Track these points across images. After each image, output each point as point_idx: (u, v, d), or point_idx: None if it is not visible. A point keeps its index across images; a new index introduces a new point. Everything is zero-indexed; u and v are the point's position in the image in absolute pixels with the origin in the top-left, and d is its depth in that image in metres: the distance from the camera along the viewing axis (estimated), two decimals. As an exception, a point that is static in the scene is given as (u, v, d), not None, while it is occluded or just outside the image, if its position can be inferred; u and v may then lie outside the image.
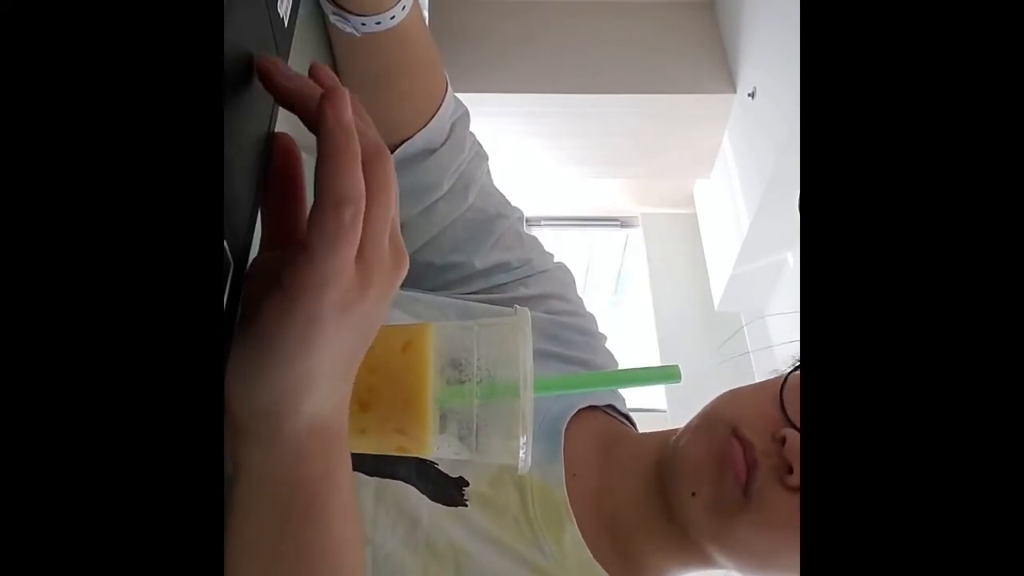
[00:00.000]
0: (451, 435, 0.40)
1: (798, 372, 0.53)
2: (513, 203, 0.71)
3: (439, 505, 0.51)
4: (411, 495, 0.51)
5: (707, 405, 0.56)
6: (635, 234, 2.89)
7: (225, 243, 0.32)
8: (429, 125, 0.61)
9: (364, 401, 0.40)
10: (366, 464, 0.50)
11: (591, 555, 0.52)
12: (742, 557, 0.52)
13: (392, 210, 0.33)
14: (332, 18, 0.55)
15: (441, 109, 0.62)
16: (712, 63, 2.09)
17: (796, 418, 0.51)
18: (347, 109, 0.31)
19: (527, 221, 0.78)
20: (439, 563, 0.49)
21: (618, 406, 0.64)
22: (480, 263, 0.65)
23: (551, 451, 0.56)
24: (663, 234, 2.76)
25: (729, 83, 2.05)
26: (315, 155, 0.37)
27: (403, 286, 0.63)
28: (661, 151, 2.28)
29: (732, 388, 0.57)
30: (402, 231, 0.64)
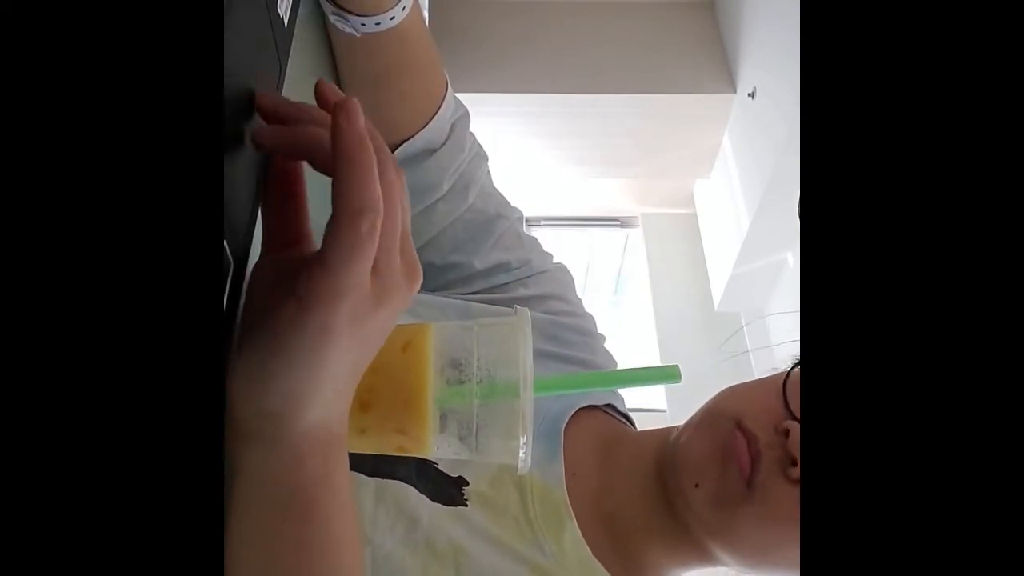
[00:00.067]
0: (451, 435, 0.40)
1: (798, 368, 0.53)
2: (513, 203, 0.71)
3: (439, 505, 0.51)
4: (411, 495, 0.51)
5: (708, 401, 0.56)
6: (635, 234, 2.89)
7: (225, 243, 0.32)
8: (429, 125, 0.61)
9: (364, 401, 0.40)
10: (366, 464, 0.50)
11: (591, 554, 0.52)
12: (744, 551, 0.52)
13: (401, 221, 0.33)
14: (332, 18, 0.55)
15: (441, 109, 0.62)
16: (712, 63, 2.09)
17: (799, 412, 0.51)
18: (360, 119, 0.31)
19: (527, 221, 0.78)
20: (439, 563, 0.49)
21: (617, 406, 0.64)
22: (480, 263, 0.65)
23: (551, 451, 0.56)
24: (663, 234, 2.76)
25: (729, 83, 2.06)
26: None
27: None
28: (661, 151, 2.28)
29: (732, 385, 0.58)
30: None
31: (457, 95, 0.65)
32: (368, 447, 0.42)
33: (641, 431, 0.63)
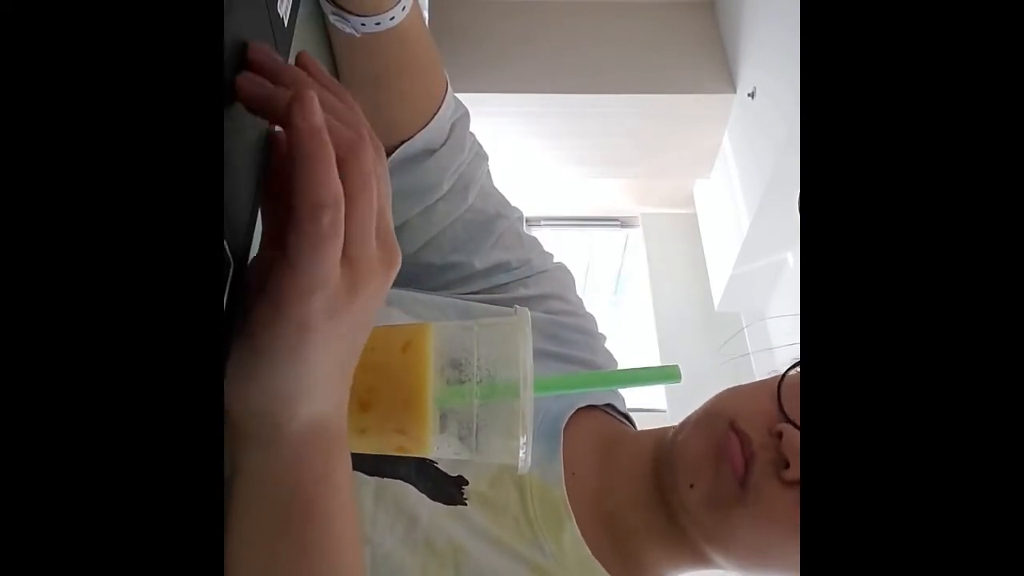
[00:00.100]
0: (451, 435, 0.40)
1: (795, 370, 0.53)
2: (513, 203, 0.71)
3: (439, 504, 0.51)
4: (410, 494, 0.51)
5: (707, 402, 0.57)
6: (635, 234, 2.89)
7: (225, 243, 0.32)
8: (429, 125, 0.61)
9: (364, 401, 0.40)
10: (365, 464, 0.50)
11: (590, 553, 0.52)
12: (737, 552, 0.52)
13: (375, 206, 0.32)
14: (332, 18, 0.55)
15: (441, 109, 0.62)
16: (712, 63, 2.09)
17: (793, 414, 0.51)
18: (315, 112, 0.30)
19: (527, 221, 0.78)
20: (438, 562, 0.49)
21: (617, 406, 0.64)
22: (480, 263, 0.65)
23: (550, 450, 0.56)
24: (663, 234, 2.76)
25: (729, 83, 2.06)
26: None
27: (403, 286, 0.63)
28: (661, 151, 2.28)
29: (731, 386, 0.58)
30: (402, 231, 0.64)
31: (457, 95, 0.65)
32: (368, 447, 0.42)
33: (640, 431, 0.64)
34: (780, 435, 0.50)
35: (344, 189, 0.30)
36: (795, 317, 0.30)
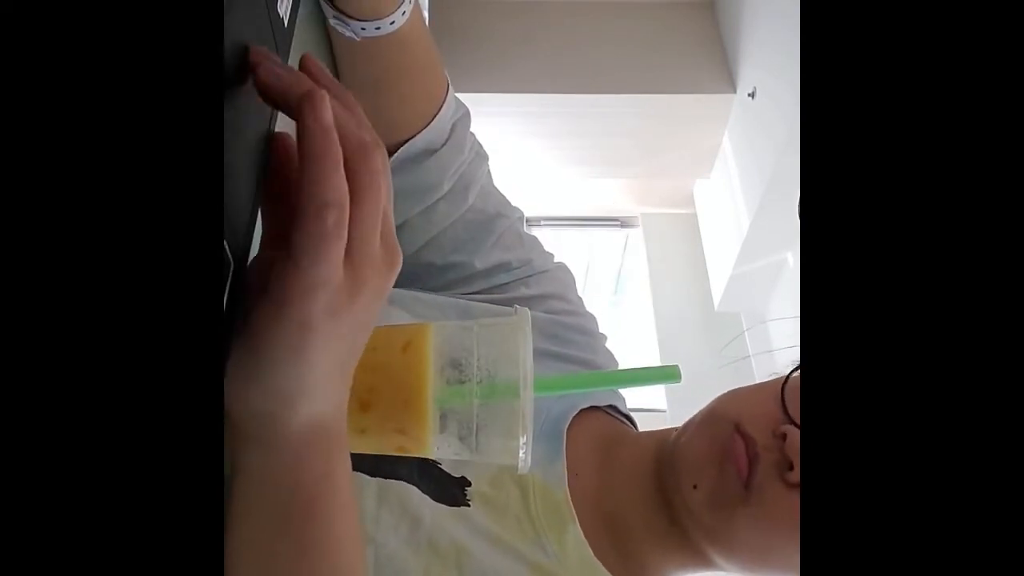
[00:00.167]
0: (451, 435, 0.40)
1: (798, 372, 0.53)
2: (513, 203, 0.71)
3: (441, 505, 0.51)
4: (413, 495, 0.51)
5: (710, 403, 0.57)
6: (635, 234, 2.89)
7: (225, 243, 0.32)
8: (430, 126, 0.61)
9: (364, 401, 0.40)
10: (367, 464, 0.50)
11: (593, 554, 0.52)
12: (739, 554, 0.52)
13: (381, 208, 0.32)
14: (332, 22, 0.55)
15: (442, 110, 0.62)
16: (712, 63, 2.09)
17: (797, 416, 0.51)
18: (326, 112, 0.30)
19: (527, 221, 0.78)
20: (441, 563, 0.49)
21: (619, 406, 0.64)
22: (480, 263, 0.65)
23: (553, 451, 0.56)
24: (663, 234, 2.76)
25: (729, 83, 2.05)
26: None
27: (404, 286, 0.63)
28: (661, 151, 2.28)
29: (734, 388, 0.58)
30: (402, 231, 0.64)
31: (457, 95, 0.65)
32: (368, 447, 0.42)
33: (642, 432, 0.64)
34: (784, 437, 0.50)
35: (351, 189, 0.30)
36: (796, 319, 0.30)
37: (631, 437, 0.62)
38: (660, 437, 0.59)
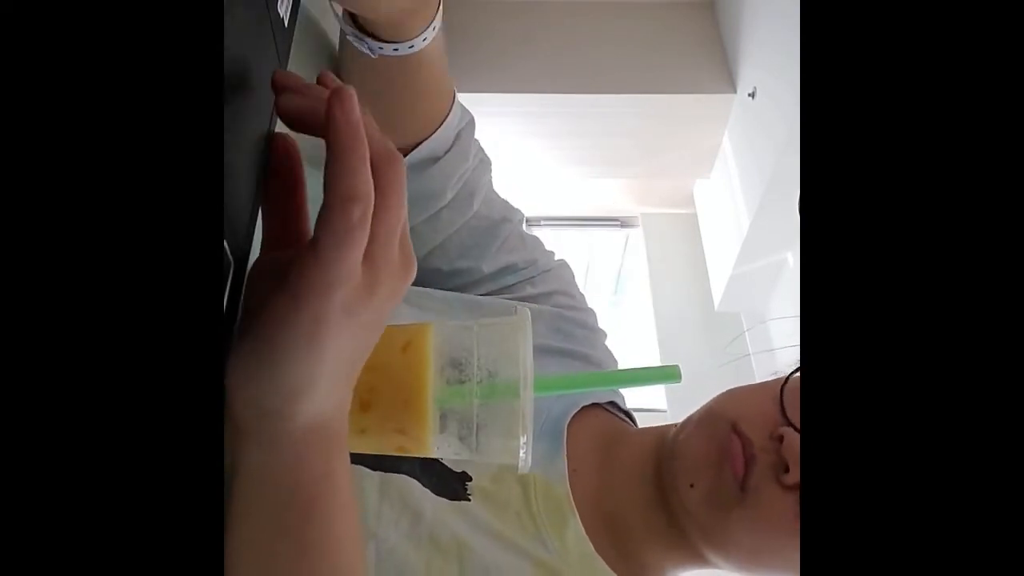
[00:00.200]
0: (451, 435, 0.40)
1: (799, 374, 0.54)
2: (514, 203, 0.71)
3: (442, 500, 0.51)
4: (414, 489, 0.51)
5: (709, 402, 0.57)
6: (635, 234, 2.89)
7: (225, 243, 0.32)
8: (434, 135, 0.61)
9: (364, 401, 0.40)
10: (369, 458, 0.50)
11: (594, 550, 0.52)
12: (735, 554, 0.52)
13: (403, 211, 0.33)
14: (350, 37, 0.54)
15: (447, 119, 0.61)
16: (712, 63, 2.08)
17: (795, 418, 0.51)
18: (355, 108, 0.31)
19: (527, 221, 0.78)
20: (442, 557, 0.49)
21: (619, 403, 0.64)
22: (487, 267, 0.66)
23: (553, 448, 0.56)
24: (663, 234, 2.76)
25: (729, 83, 2.05)
26: (315, 165, 0.37)
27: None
28: (661, 151, 2.28)
29: (733, 387, 0.58)
30: (408, 238, 0.64)
31: (457, 95, 0.65)
32: (368, 447, 0.42)
33: (642, 429, 0.64)
34: (781, 439, 0.50)
35: (377, 189, 0.31)
36: (796, 318, 0.30)
37: (631, 435, 0.62)
38: (659, 434, 0.59)
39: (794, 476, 0.49)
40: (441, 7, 0.54)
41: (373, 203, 0.30)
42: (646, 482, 0.56)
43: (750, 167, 2.00)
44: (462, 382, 0.40)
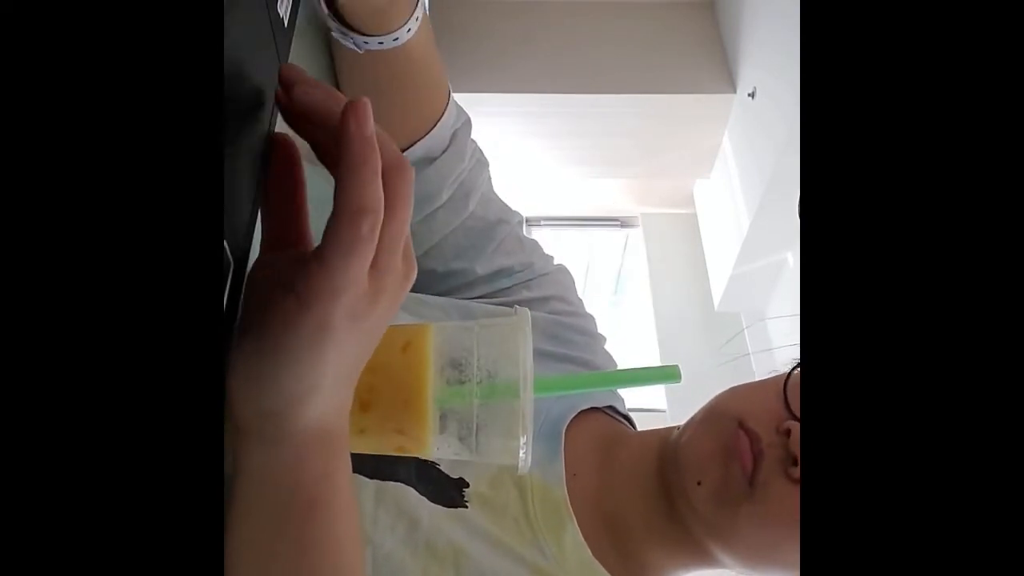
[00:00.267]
0: (451, 435, 0.40)
1: (799, 369, 0.54)
2: (513, 204, 0.71)
3: (439, 506, 0.51)
4: (411, 496, 0.51)
5: (710, 400, 0.57)
6: (635, 234, 2.89)
7: (225, 243, 0.32)
8: (430, 134, 0.61)
9: (364, 401, 0.40)
10: (366, 466, 0.50)
11: (592, 555, 0.52)
12: (744, 550, 0.52)
13: (408, 221, 0.33)
14: (334, 33, 0.54)
15: (442, 120, 0.61)
16: (712, 63, 2.09)
17: (800, 412, 0.51)
18: (370, 121, 0.31)
19: (527, 221, 0.78)
20: (439, 564, 0.49)
21: (618, 407, 0.64)
22: (482, 269, 0.66)
23: (551, 451, 0.56)
24: (663, 234, 2.76)
25: (729, 83, 2.06)
26: (315, 165, 0.37)
27: (406, 292, 0.63)
28: (661, 151, 2.28)
29: (733, 385, 0.58)
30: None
31: (457, 95, 0.65)
32: (368, 447, 0.42)
33: (641, 431, 0.64)
34: (787, 433, 0.50)
35: (385, 199, 0.31)
36: (795, 317, 0.30)
37: (630, 436, 0.62)
38: (661, 435, 0.59)
39: None
40: None
41: (383, 214, 0.31)
42: (648, 482, 0.56)
43: (750, 167, 2.00)
44: (462, 382, 0.40)
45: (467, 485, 0.53)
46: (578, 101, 2.04)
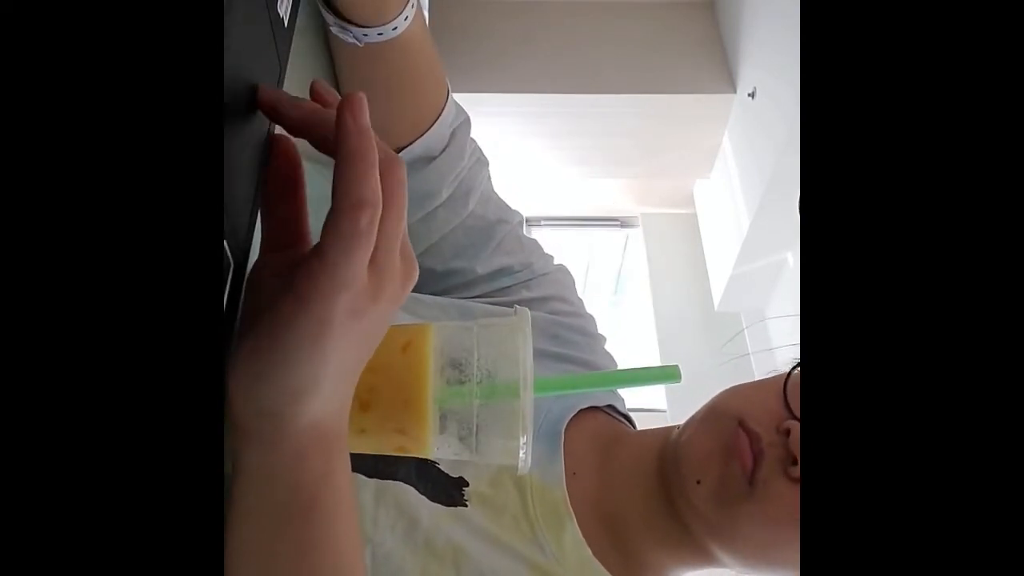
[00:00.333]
0: (451, 435, 0.40)
1: (799, 369, 0.54)
2: (513, 204, 0.71)
3: (438, 505, 0.51)
4: (410, 495, 0.51)
5: (710, 400, 0.57)
6: (635, 234, 2.89)
7: (225, 243, 0.32)
8: (429, 132, 0.61)
9: (364, 401, 0.40)
10: (365, 465, 0.50)
11: (591, 554, 0.52)
12: (744, 549, 0.52)
13: (404, 217, 0.33)
14: (333, 29, 0.55)
15: (441, 117, 0.62)
16: (712, 63, 2.09)
17: (800, 411, 0.51)
18: (366, 114, 0.31)
19: (527, 221, 0.78)
20: (439, 563, 0.49)
21: (618, 407, 0.64)
22: (482, 268, 0.66)
23: (551, 451, 0.56)
24: (663, 234, 2.76)
25: (729, 83, 2.05)
26: (315, 163, 0.37)
27: (405, 291, 0.63)
28: (661, 151, 2.28)
29: (733, 385, 0.58)
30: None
31: (457, 95, 0.65)
32: (368, 447, 0.42)
33: (641, 430, 0.64)
34: (787, 432, 0.50)
35: (382, 194, 0.31)
36: (795, 317, 0.30)
37: (630, 436, 0.62)
38: (662, 435, 0.59)
39: None
40: None
41: (381, 208, 0.31)
42: (648, 481, 0.56)
43: (750, 167, 2.00)
44: (462, 382, 0.40)
45: (467, 484, 0.53)
46: (578, 101, 2.04)
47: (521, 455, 0.39)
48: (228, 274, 0.33)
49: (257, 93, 0.35)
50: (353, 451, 0.37)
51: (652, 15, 2.14)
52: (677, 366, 0.44)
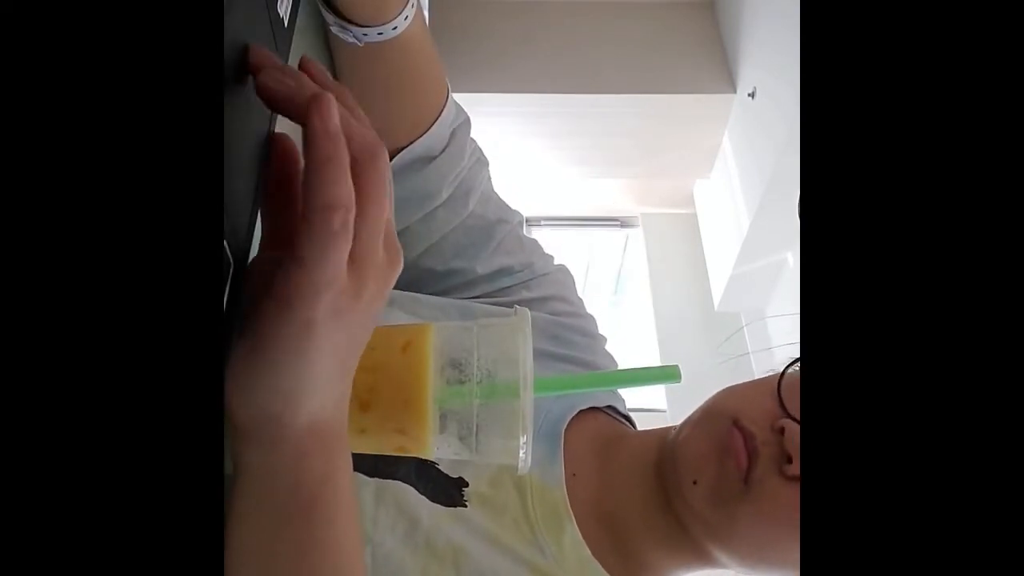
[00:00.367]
0: (451, 435, 0.40)
1: (794, 367, 0.54)
2: (513, 204, 0.71)
3: (438, 505, 0.51)
4: (411, 495, 0.51)
5: (706, 400, 0.57)
6: (635, 234, 2.89)
7: (225, 243, 0.32)
8: (429, 132, 0.61)
9: (364, 401, 0.40)
10: (365, 464, 0.50)
11: (591, 554, 0.52)
12: (741, 549, 0.52)
13: (385, 210, 0.33)
14: (333, 29, 0.55)
15: (441, 116, 0.62)
16: (712, 63, 2.09)
17: (794, 411, 0.51)
18: (334, 116, 0.30)
19: (527, 221, 0.78)
20: (439, 563, 0.49)
21: (618, 407, 0.64)
22: (482, 268, 0.66)
23: (551, 451, 0.56)
24: (663, 234, 2.76)
25: (729, 83, 2.05)
26: None
27: (404, 291, 0.63)
28: (661, 151, 2.28)
29: (729, 385, 0.58)
30: (402, 237, 0.64)
31: (457, 95, 0.65)
32: (368, 447, 0.42)
33: (641, 431, 0.64)
34: (782, 431, 0.50)
35: (358, 190, 0.31)
36: (795, 316, 0.30)
37: (630, 436, 0.62)
38: (660, 435, 0.59)
39: (797, 467, 0.49)
40: None
41: (354, 208, 0.30)
42: (647, 482, 0.56)
43: (750, 167, 2.00)
44: (462, 382, 0.40)
45: (467, 484, 0.53)
46: (578, 101, 2.04)
47: (521, 455, 0.39)
48: (228, 274, 0.33)
49: (248, 52, 0.33)
50: (353, 451, 0.37)
51: (652, 15, 2.14)
52: (677, 366, 0.44)
